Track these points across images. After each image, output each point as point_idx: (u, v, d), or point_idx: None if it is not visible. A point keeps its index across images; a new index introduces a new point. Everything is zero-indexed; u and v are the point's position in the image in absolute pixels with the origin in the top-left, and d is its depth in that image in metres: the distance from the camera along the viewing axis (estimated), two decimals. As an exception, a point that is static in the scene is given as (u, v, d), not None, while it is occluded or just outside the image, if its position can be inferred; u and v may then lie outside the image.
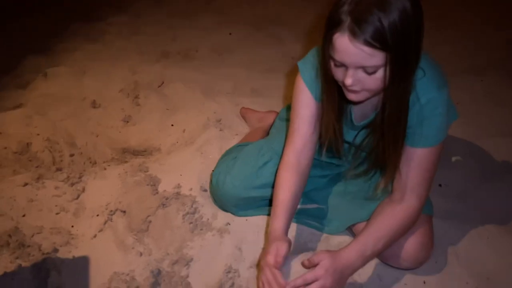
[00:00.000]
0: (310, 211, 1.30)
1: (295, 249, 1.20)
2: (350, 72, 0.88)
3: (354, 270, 0.99)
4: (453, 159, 1.51)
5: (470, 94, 1.87)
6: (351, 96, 0.95)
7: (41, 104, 1.96)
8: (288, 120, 1.42)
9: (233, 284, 1.13)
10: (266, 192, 1.29)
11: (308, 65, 1.09)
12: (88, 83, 2.15)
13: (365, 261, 1.00)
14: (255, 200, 1.31)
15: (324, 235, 1.27)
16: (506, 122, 1.67)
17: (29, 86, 2.15)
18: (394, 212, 1.03)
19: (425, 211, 1.14)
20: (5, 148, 1.68)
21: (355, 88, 0.91)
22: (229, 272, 1.16)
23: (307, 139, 1.13)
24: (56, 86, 2.11)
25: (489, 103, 1.81)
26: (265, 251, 1.03)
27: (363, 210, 1.17)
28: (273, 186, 1.29)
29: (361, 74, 0.88)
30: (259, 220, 1.32)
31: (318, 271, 0.92)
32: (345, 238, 1.24)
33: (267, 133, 1.55)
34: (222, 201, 1.32)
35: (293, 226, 1.29)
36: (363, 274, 1.14)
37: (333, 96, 1.02)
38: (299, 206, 1.34)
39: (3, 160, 1.64)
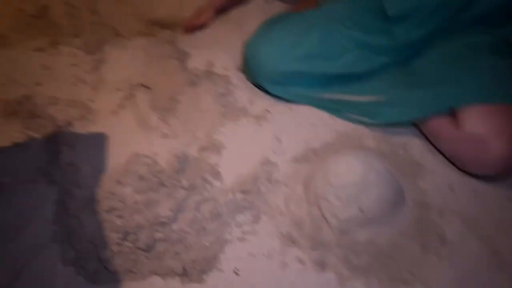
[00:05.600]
0: (362, 105, 1.05)
1: (347, 146, 1.00)
2: None
3: None
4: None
5: None
6: None
7: (59, -37, 1.70)
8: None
9: (270, 178, 0.96)
10: (311, 67, 1.04)
11: None
12: None
13: None
14: (296, 76, 1.07)
15: (384, 133, 1.04)
16: None
17: None
18: None
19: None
20: (20, 10, 1.48)
21: None
22: (265, 164, 0.99)
23: None
24: None
25: None
26: None
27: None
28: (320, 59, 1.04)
29: None
30: (305, 109, 1.11)
31: None
32: (410, 138, 1.02)
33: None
34: (255, 74, 1.11)
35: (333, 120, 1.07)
36: (431, 186, 0.94)
37: None
38: (347, 98, 1.09)
39: (18, 23, 1.45)
